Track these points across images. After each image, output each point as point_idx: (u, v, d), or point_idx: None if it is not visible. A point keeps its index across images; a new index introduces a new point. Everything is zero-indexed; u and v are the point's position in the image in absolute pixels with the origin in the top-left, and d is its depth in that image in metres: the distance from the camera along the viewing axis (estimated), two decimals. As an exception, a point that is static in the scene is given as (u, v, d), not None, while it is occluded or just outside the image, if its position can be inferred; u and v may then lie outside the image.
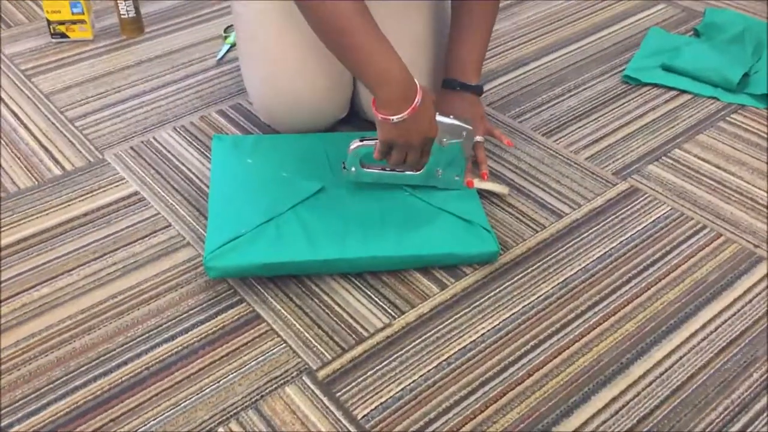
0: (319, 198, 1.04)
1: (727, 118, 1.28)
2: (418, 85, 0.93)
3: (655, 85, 1.36)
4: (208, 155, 1.18)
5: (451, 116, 1.00)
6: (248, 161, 1.10)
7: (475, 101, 1.11)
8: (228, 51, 1.45)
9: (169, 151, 1.19)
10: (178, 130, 1.24)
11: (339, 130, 1.23)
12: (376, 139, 0.98)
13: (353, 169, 1.03)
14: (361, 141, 1.01)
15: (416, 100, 0.92)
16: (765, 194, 1.12)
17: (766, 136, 1.24)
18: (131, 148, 1.20)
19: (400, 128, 0.93)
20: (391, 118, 0.92)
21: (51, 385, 0.84)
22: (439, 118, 0.98)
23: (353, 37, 0.90)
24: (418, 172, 1.04)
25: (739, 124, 1.27)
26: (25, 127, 1.24)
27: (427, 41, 1.15)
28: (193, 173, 1.15)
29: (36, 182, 1.13)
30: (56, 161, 1.17)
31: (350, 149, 1.01)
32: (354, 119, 1.25)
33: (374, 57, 0.90)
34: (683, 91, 1.34)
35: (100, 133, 1.23)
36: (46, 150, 1.19)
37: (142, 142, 1.21)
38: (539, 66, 1.42)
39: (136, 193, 1.11)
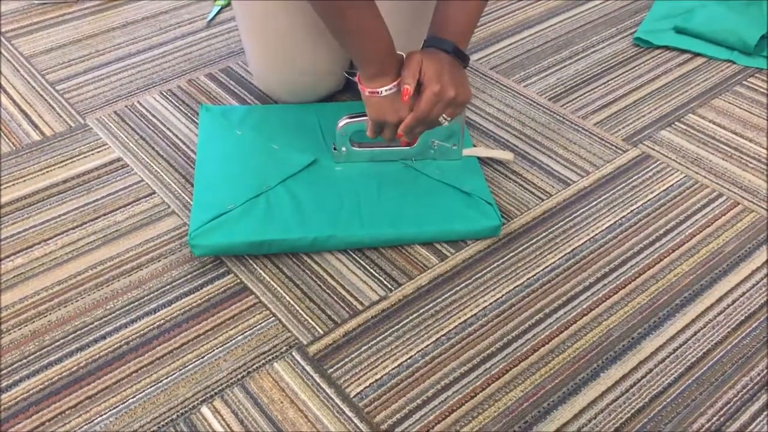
0: (311, 171, 0.98)
1: (744, 82, 1.22)
2: (404, 57, 0.89)
3: (668, 48, 1.30)
4: (196, 120, 1.12)
5: None
6: (237, 133, 1.04)
7: (447, 64, 0.89)
8: (219, 12, 1.38)
9: (154, 116, 1.13)
10: (165, 94, 1.18)
11: (336, 99, 1.17)
12: (364, 114, 0.93)
13: (344, 149, 0.98)
14: (349, 118, 0.95)
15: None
16: (784, 161, 1.06)
17: (785, 100, 1.18)
18: (114, 112, 1.14)
19: (390, 103, 0.89)
20: (379, 90, 0.88)
21: (24, 361, 0.79)
22: None
23: (348, 10, 0.84)
24: (411, 147, 0.98)
25: (756, 88, 1.20)
26: (4, 90, 1.18)
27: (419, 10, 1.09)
28: (180, 139, 1.09)
29: (13, 147, 1.07)
30: (35, 126, 1.11)
31: (338, 127, 0.96)
32: (354, 86, 1.18)
33: (364, 32, 0.86)
34: (697, 54, 1.28)
35: (83, 97, 1.17)
36: (25, 114, 1.13)
37: (126, 106, 1.15)
38: (545, 28, 1.35)
39: (118, 159, 1.05)
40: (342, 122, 0.96)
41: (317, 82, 1.11)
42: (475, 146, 1.07)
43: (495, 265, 0.90)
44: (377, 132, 0.94)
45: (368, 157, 1.00)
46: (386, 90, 0.87)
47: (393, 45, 0.88)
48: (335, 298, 0.86)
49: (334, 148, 0.99)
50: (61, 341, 0.81)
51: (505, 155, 1.04)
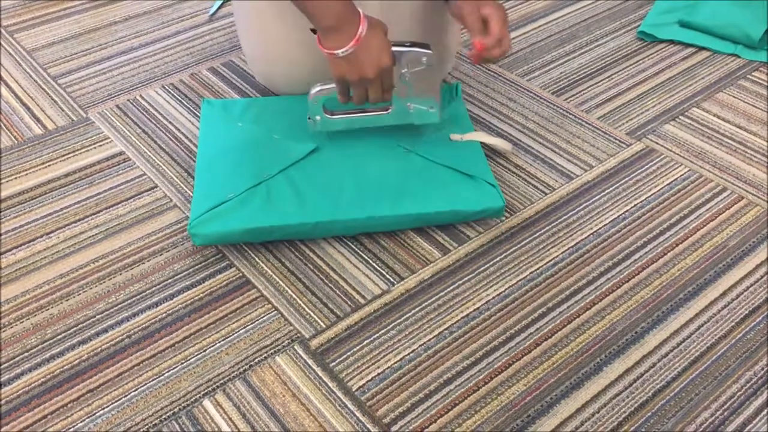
0: (312, 159, 0.98)
1: (749, 76, 1.21)
2: (361, 14, 0.87)
3: (672, 42, 1.29)
4: (198, 114, 1.12)
5: (408, 43, 0.93)
6: (238, 125, 1.04)
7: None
8: (221, 6, 1.38)
9: (156, 110, 1.13)
10: (167, 88, 1.17)
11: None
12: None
13: (318, 117, 0.97)
14: (322, 86, 0.94)
15: (359, 30, 0.86)
16: (789, 155, 1.05)
17: (789, 94, 1.17)
18: (117, 106, 1.14)
19: (350, 62, 0.88)
20: (336, 52, 0.87)
21: (26, 354, 0.79)
22: (393, 48, 0.91)
23: None
24: (387, 112, 0.97)
25: (761, 82, 1.20)
26: (6, 84, 1.18)
27: None
28: (182, 133, 1.08)
29: (15, 141, 1.07)
30: (37, 120, 1.11)
31: (310, 96, 0.95)
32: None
33: None
34: (701, 48, 1.27)
35: (85, 91, 1.17)
36: (27, 108, 1.13)
37: (129, 100, 1.15)
38: (549, 22, 1.34)
39: (120, 153, 1.05)
40: (314, 91, 0.95)
41: (316, 73, 1.10)
42: (475, 131, 1.06)
43: (498, 258, 0.90)
44: (345, 94, 0.93)
45: (344, 124, 0.99)
46: (343, 52, 0.86)
47: (347, 2, 0.86)
48: (337, 291, 0.86)
49: (309, 118, 0.98)
50: (63, 334, 0.81)
51: (504, 145, 1.03)
